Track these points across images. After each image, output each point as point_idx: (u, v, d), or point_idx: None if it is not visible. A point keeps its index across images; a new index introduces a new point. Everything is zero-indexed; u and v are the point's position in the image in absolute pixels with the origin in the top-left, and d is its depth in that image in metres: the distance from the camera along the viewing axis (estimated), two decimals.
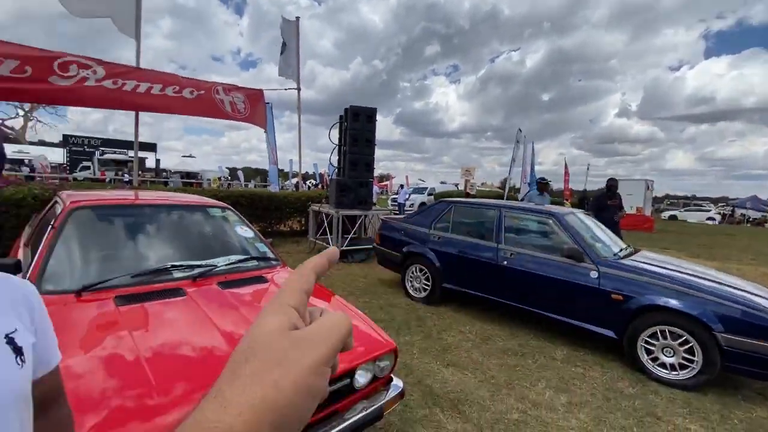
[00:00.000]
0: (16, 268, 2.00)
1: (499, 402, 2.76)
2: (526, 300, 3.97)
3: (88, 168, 21.81)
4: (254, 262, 2.69)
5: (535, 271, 3.89)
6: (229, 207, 3.16)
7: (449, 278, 4.59)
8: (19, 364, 0.59)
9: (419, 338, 3.74)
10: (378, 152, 7.52)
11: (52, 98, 5.80)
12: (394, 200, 19.05)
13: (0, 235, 4.74)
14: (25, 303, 0.67)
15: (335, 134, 7.59)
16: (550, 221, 4.11)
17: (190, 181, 23.31)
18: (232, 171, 32.38)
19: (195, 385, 1.41)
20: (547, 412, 2.68)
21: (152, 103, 6.45)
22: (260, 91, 8.09)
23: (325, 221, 7.29)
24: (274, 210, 8.56)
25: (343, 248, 6.97)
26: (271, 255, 2.89)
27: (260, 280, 2.44)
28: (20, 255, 2.58)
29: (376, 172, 7.75)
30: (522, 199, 9.46)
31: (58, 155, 24.98)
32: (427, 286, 4.77)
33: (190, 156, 31.98)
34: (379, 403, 1.87)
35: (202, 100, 6.89)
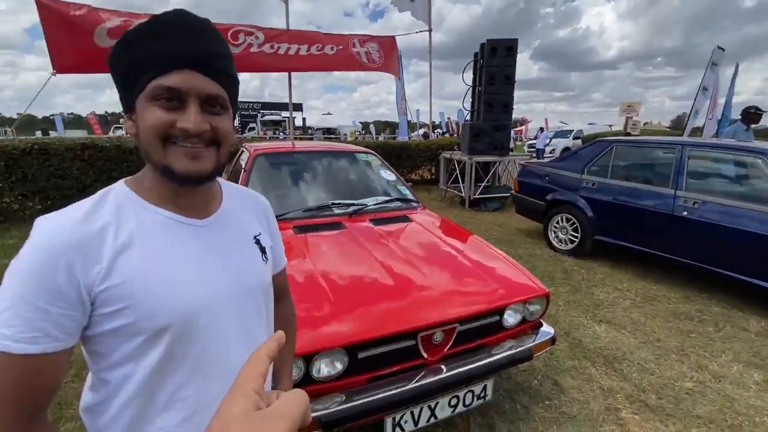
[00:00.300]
0: None
1: (667, 367, 2.42)
2: (712, 259, 3.24)
3: (253, 129, 25.90)
4: (398, 203, 2.84)
5: (729, 224, 3.11)
6: (373, 152, 3.35)
7: (604, 230, 4.05)
8: (264, 261, 0.74)
9: (566, 291, 3.49)
10: None
11: None
12: (531, 146, 17.39)
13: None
14: (265, 213, 0.82)
15: (469, 76, 7.16)
16: (759, 161, 3.16)
17: (330, 136, 25.59)
18: (365, 125, 34.19)
19: (362, 301, 1.61)
20: (733, 387, 2.25)
21: (301, 63, 7.09)
22: (393, 38, 8.05)
23: (457, 169, 7.16)
24: (406, 159, 8.77)
25: (476, 196, 6.80)
26: (412, 197, 2.99)
27: (405, 219, 2.56)
28: None
29: None
30: (714, 137, 7.43)
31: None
32: (575, 237, 4.33)
33: (328, 114, 34.91)
34: (528, 345, 1.83)
35: (342, 55, 7.27)
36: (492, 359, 1.72)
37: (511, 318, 1.82)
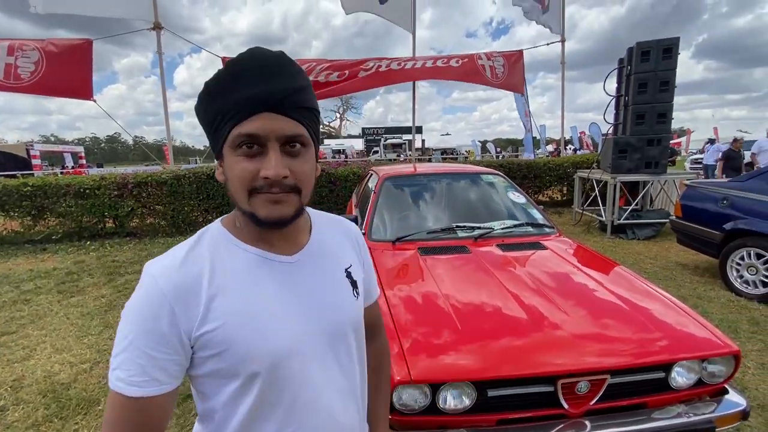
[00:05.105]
0: (355, 222, 2.74)
1: None
2: None
3: (377, 152, 27.75)
4: (528, 228, 2.63)
5: None
6: (500, 173, 3.20)
7: None
8: (355, 296, 0.69)
9: (756, 348, 2.70)
10: None
11: (359, 86, 7.46)
12: (697, 161, 14.34)
13: (337, 201, 6.76)
14: (356, 241, 0.77)
15: (612, 85, 6.34)
16: None
17: (447, 156, 25.67)
18: (483, 143, 33.37)
19: (492, 334, 1.50)
20: None
21: (425, 74, 7.65)
22: (520, 52, 7.77)
23: (596, 189, 6.34)
24: (533, 178, 8.17)
25: (621, 221, 5.88)
26: (545, 222, 2.74)
27: (537, 245, 2.35)
28: (354, 213, 3.54)
29: None
30: None
31: (359, 144, 33.06)
32: None
33: (447, 134, 35.18)
34: (709, 415, 1.45)
35: (467, 67, 7.52)
36: (655, 425, 1.41)
37: (681, 378, 1.47)
